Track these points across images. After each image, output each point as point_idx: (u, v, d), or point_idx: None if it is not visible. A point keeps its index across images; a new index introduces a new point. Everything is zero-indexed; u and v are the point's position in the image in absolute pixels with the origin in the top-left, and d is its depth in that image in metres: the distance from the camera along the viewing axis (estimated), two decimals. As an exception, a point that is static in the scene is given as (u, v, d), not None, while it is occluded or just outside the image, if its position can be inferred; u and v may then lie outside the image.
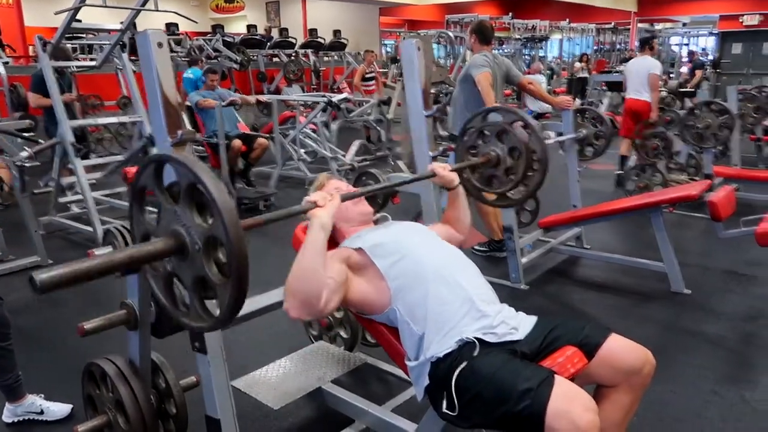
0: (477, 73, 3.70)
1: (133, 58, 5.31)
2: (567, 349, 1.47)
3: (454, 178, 1.92)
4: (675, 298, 3.30)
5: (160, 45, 1.40)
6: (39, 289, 0.94)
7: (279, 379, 2.13)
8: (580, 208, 4.03)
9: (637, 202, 3.50)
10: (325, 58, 13.12)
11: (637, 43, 19.80)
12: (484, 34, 3.89)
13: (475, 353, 1.43)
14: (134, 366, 1.80)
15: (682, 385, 2.44)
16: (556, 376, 1.33)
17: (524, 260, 3.59)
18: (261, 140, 5.57)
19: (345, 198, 1.58)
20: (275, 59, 12.26)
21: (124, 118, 5.03)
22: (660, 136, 5.12)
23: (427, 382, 1.50)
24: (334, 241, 1.85)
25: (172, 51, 9.55)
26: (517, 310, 1.64)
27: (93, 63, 4.96)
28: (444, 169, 1.91)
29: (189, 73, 7.83)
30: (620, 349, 1.50)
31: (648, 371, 1.51)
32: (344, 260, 1.60)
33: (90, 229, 4.33)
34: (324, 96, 6.37)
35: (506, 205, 2.91)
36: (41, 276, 0.94)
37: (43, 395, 2.28)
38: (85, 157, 4.91)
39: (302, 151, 6.60)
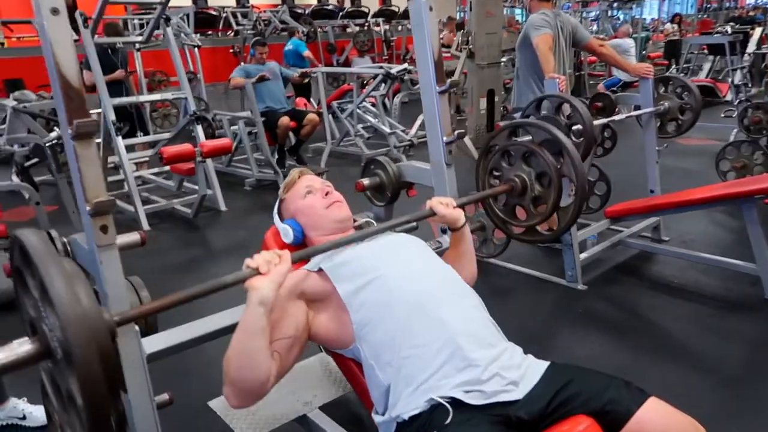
0: (535, 35, 3.20)
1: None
2: (580, 421, 1.07)
3: (459, 216, 1.46)
4: (769, 309, 2.73)
5: (55, 11, 1.10)
6: None
7: (262, 401, 1.84)
8: (659, 195, 3.45)
9: (725, 191, 2.89)
10: (399, 28, 12.65)
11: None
12: None
13: (448, 420, 1.06)
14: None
15: (770, 428, 1.94)
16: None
17: (585, 255, 3.09)
18: (311, 116, 5.30)
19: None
20: (347, 30, 11.97)
21: (167, 95, 4.91)
22: (763, 108, 4.34)
23: (390, 447, 1.15)
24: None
25: (238, 24, 9.38)
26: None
27: (139, 39, 4.83)
28: (446, 206, 1.45)
29: (289, 45, 7.65)
30: (659, 425, 1.08)
31: (698, 455, 1.08)
32: (300, 295, 1.29)
33: (132, 209, 4.28)
34: (381, 67, 6.00)
35: (536, 241, 2.54)
36: None
37: (26, 398, 2.13)
38: (131, 134, 4.86)
39: (360, 126, 6.30)
